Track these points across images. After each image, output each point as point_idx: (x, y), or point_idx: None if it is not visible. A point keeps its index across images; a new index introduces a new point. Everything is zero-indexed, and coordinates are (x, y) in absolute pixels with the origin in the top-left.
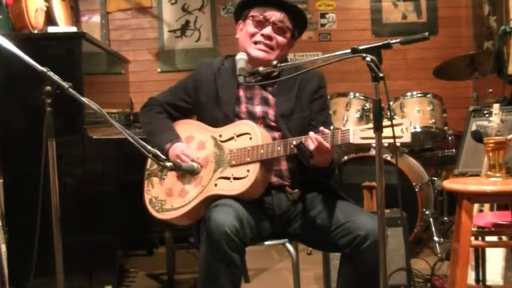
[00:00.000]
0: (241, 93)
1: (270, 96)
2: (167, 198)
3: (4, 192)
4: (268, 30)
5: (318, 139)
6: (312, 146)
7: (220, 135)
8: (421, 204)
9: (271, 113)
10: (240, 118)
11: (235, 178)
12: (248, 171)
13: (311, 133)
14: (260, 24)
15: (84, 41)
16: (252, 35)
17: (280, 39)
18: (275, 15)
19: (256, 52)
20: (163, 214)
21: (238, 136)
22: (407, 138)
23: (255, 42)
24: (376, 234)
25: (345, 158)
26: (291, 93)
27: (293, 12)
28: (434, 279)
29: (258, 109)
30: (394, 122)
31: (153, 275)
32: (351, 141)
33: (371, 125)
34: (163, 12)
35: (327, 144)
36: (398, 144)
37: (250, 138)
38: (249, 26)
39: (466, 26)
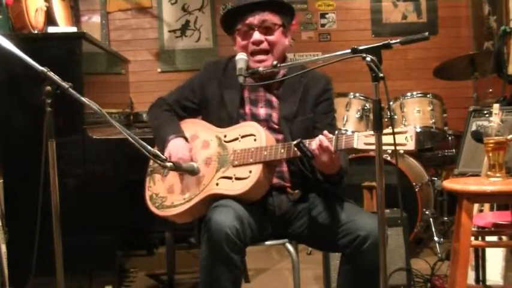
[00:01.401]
0: (246, 94)
1: (274, 99)
2: (168, 195)
3: (4, 192)
4: (256, 35)
5: (320, 138)
6: (313, 145)
7: (225, 136)
8: (421, 204)
9: (274, 115)
10: (244, 120)
11: (237, 178)
12: (250, 172)
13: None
14: (246, 33)
15: (84, 41)
16: (245, 47)
17: (271, 38)
18: (256, 18)
19: (255, 64)
20: (163, 211)
21: (242, 137)
22: (411, 146)
23: (251, 53)
24: (377, 234)
25: None
26: (295, 96)
27: (273, 5)
28: (434, 279)
29: (262, 111)
30: (399, 129)
31: (153, 275)
32: (355, 146)
33: None
34: (163, 12)
35: (328, 143)
36: (401, 151)
37: (255, 140)
38: (239, 40)
39: (466, 26)
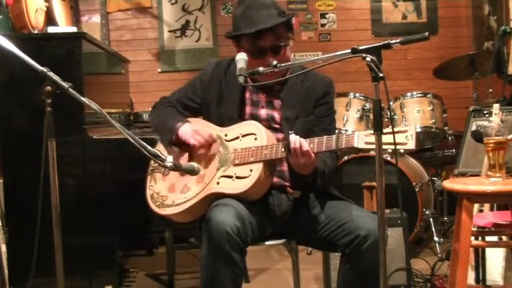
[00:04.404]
0: (247, 95)
1: (276, 101)
2: (169, 194)
3: (4, 192)
4: (269, 59)
5: (301, 141)
6: (292, 143)
7: (226, 135)
8: (421, 204)
9: (276, 116)
10: (244, 120)
11: (237, 177)
12: (251, 170)
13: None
14: (258, 54)
15: (84, 41)
16: (255, 65)
17: (281, 57)
18: (268, 41)
19: (265, 78)
20: (163, 210)
21: (243, 136)
22: (411, 145)
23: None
24: (377, 234)
25: (345, 158)
26: (297, 99)
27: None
28: (434, 279)
29: (263, 112)
30: (399, 128)
31: (153, 275)
32: (355, 145)
33: None
34: (163, 12)
35: (307, 147)
36: (401, 151)
37: (255, 139)
38: (249, 58)
39: (466, 26)
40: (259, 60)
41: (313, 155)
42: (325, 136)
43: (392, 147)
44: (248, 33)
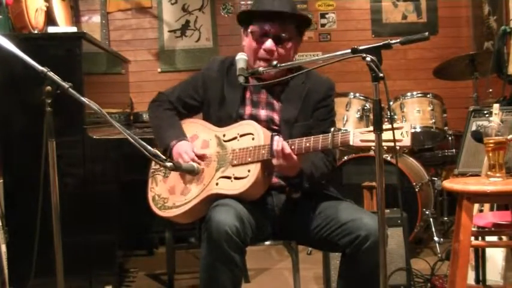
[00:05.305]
0: (248, 95)
1: (276, 102)
2: (169, 196)
3: (4, 192)
4: (269, 43)
5: (283, 144)
6: (274, 145)
7: (224, 135)
8: (421, 204)
9: (276, 117)
10: (244, 120)
11: (236, 178)
12: (249, 171)
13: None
14: (260, 38)
15: (84, 41)
16: (255, 50)
17: (282, 50)
18: (274, 27)
19: (264, 77)
20: (164, 212)
21: (241, 136)
22: (407, 142)
23: (259, 58)
24: (377, 234)
25: (345, 158)
26: (297, 101)
27: (293, 17)
28: (434, 279)
29: (263, 113)
30: (395, 125)
31: (153, 275)
32: (351, 143)
33: (371, 128)
34: (163, 12)
35: (289, 150)
36: (398, 147)
37: (253, 139)
38: (251, 41)
39: (466, 26)
40: (260, 44)
41: (295, 157)
42: (321, 135)
43: (389, 144)
44: (259, 17)
